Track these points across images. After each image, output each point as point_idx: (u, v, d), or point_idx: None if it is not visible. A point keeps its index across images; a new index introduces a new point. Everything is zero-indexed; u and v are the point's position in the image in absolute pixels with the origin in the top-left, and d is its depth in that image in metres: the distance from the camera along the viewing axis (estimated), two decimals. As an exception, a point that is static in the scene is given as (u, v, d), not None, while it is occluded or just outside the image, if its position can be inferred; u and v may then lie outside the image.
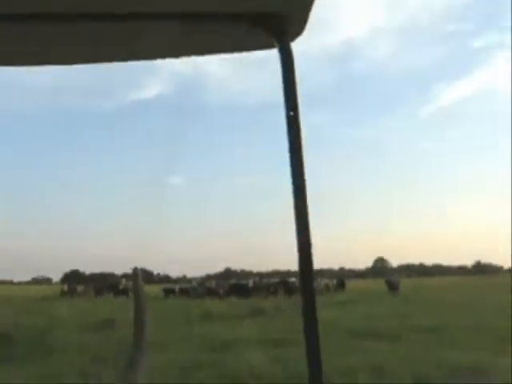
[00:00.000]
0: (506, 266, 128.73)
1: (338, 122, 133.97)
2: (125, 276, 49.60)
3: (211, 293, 39.37)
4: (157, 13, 1.48)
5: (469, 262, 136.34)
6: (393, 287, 39.58)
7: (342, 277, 53.20)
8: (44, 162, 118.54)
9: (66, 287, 41.54)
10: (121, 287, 42.04)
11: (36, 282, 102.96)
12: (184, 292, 41.28)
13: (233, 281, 44.89)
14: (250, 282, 40.46)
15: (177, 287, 43.10)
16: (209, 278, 64.74)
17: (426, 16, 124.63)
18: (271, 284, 40.89)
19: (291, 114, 1.55)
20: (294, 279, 45.06)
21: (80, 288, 44.55)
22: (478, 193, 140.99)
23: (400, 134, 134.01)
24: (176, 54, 1.75)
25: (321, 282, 44.81)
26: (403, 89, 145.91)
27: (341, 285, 46.17)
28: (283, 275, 49.58)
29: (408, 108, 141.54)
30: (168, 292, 42.23)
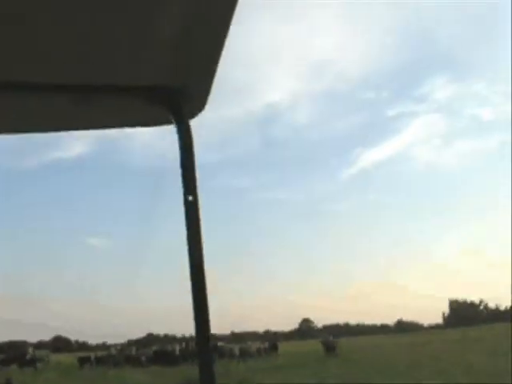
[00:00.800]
0: (426, 323, 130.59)
1: (261, 185, 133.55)
2: (33, 345, 43.79)
3: (132, 361, 34.52)
4: (48, 84, 1.40)
5: (390, 320, 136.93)
6: (330, 348, 36.47)
7: (271, 339, 49.43)
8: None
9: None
10: (28, 357, 36.23)
11: None
12: (101, 361, 36.12)
13: (155, 347, 40.00)
14: (177, 349, 35.83)
15: (92, 355, 37.73)
16: (130, 344, 59.06)
17: (345, 84, 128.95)
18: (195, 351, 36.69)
19: (190, 198, 1.43)
20: (221, 343, 41.22)
21: None
22: (397, 252, 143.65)
23: (322, 195, 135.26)
24: (67, 127, 1.67)
25: (251, 345, 41.04)
26: (324, 153, 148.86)
27: (273, 348, 42.52)
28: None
29: (329, 171, 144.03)
30: (83, 361, 36.83)
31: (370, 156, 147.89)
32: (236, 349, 36.45)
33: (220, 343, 40.20)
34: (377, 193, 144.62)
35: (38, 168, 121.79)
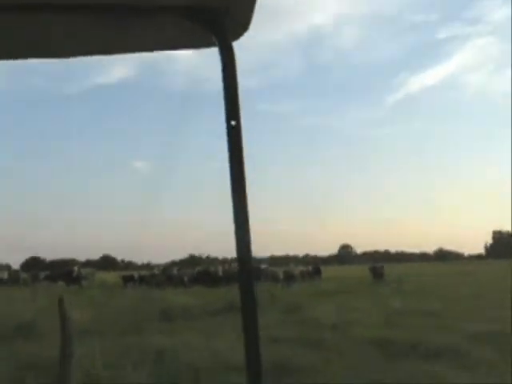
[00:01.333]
0: (467, 253, 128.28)
1: (304, 111, 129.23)
2: (80, 264, 43.97)
3: (174, 281, 33.70)
4: (84, 4, 1.35)
5: (429, 248, 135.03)
6: (377, 275, 34.74)
7: (316, 263, 48.06)
8: (4, 144, 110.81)
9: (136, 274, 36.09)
10: (74, 275, 36.02)
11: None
12: (144, 280, 35.54)
13: (199, 268, 39.14)
14: (220, 270, 34.77)
15: (136, 274, 37.28)
16: (173, 264, 59.12)
17: (392, 6, 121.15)
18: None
19: (232, 123, 1.41)
20: (265, 266, 40.04)
21: (23, 275, 38.58)
22: (441, 180, 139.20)
23: (366, 122, 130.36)
24: (107, 51, 1.60)
25: (295, 269, 39.72)
26: (368, 77, 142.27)
27: (317, 271, 41.20)
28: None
29: (373, 96, 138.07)
30: (127, 280, 36.48)
31: (417, 81, 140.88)
32: (280, 272, 35.11)
33: (263, 265, 38.99)
34: (423, 119, 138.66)
35: (79, 94, 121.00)
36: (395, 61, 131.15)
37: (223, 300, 18.73)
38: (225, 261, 57.33)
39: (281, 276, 34.02)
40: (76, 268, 37.87)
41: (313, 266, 44.08)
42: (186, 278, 33.51)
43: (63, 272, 37.56)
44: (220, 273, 34.30)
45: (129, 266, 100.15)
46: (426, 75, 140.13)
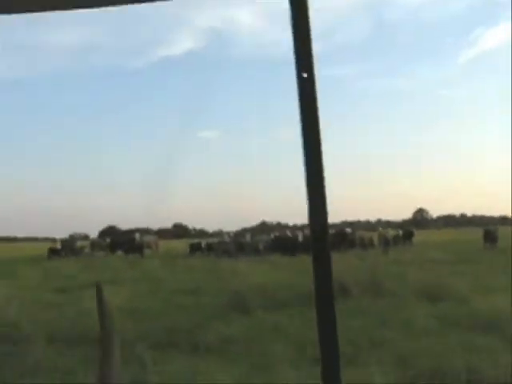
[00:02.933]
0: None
1: (370, 73, 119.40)
2: (139, 231, 39.12)
3: (247, 249, 27.82)
4: None
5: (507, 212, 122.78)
6: (491, 239, 27.35)
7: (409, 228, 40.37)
8: (72, 121, 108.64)
9: (59, 244, 30.44)
10: (135, 243, 30.95)
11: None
12: (213, 248, 29.96)
13: (275, 233, 33.00)
14: (300, 235, 28.43)
15: (204, 242, 31.74)
16: (244, 231, 53.57)
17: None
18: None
19: (304, 75, 1.29)
20: (350, 230, 33.39)
21: (80, 244, 33.87)
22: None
23: (436, 82, 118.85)
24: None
25: (385, 233, 32.74)
26: (440, 34, 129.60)
27: (409, 236, 34.16)
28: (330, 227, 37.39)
29: (445, 54, 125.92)
30: (194, 248, 31.06)
31: (493, 37, 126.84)
32: (375, 236, 28.40)
33: (348, 229, 32.38)
34: (499, 78, 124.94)
35: (145, 67, 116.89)
36: (468, 15, 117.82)
37: (306, 272, 12.50)
38: (295, 227, 50.64)
39: (376, 242, 27.35)
40: (137, 235, 32.70)
41: (403, 229, 36.93)
42: (260, 246, 27.54)
43: (123, 240, 32.62)
44: (300, 238, 27.98)
45: (200, 233, 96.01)
46: (502, 29, 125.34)
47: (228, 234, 36.66)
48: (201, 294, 11.72)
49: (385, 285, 11.53)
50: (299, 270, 17.26)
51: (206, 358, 6.40)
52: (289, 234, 29.13)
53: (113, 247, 31.83)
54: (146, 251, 30.81)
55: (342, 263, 14.83)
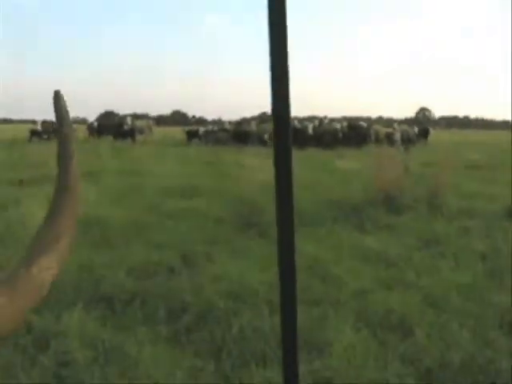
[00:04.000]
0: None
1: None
2: (135, 116, 35.26)
3: (251, 138, 24.33)
4: None
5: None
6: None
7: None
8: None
9: (39, 125, 26.54)
10: (125, 128, 27.24)
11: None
12: (213, 136, 26.47)
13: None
14: (310, 126, 24.74)
15: (202, 129, 28.12)
16: (245, 121, 49.64)
17: None
18: (338, 130, 25.26)
19: None
20: (364, 123, 29.70)
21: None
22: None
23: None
24: None
25: (408, 129, 28.99)
26: None
27: (425, 134, 30.64)
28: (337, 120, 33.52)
29: None
30: (191, 135, 27.56)
31: None
32: (397, 134, 24.71)
33: (362, 123, 28.71)
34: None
35: None
36: None
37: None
38: (302, 119, 46.74)
39: (398, 138, 23.80)
40: (129, 119, 28.93)
41: (419, 127, 33.23)
42: (266, 136, 23.98)
43: (112, 124, 28.82)
44: (310, 130, 24.35)
45: (200, 121, 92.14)
46: None
47: (229, 122, 32.76)
48: (197, 197, 8.45)
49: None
50: (312, 165, 14.07)
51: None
52: (297, 124, 25.38)
53: (100, 131, 28.11)
54: (139, 137, 27.30)
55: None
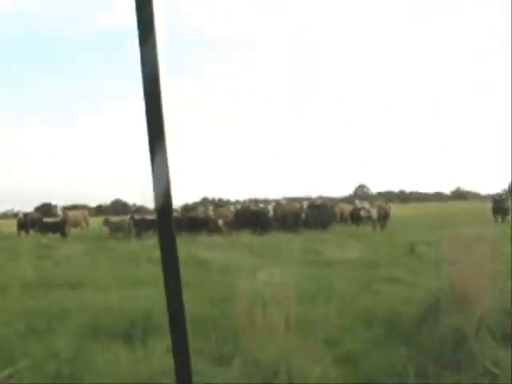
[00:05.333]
0: (484, 192, 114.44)
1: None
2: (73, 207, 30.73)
3: (204, 225, 20.64)
4: None
5: (444, 188, 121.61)
6: (502, 211, 21.67)
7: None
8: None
9: None
10: (54, 220, 22.86)
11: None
12: (155, 226, 22.15)
13: (238, 205, 25.49)
14: (270, 208, 21.23)
15: (137, 218, 22.78)
16: (186, 208, 44.84)
17: None
18: (301, 210, 21.97)
19: None
20: (320, 202, 27.02)
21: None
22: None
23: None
24: None
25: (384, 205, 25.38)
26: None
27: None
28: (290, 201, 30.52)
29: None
30: (119, 228, 22.29)
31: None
32: (373, 211, 21.63)
33: (318, 202, 25.85)
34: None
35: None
36: None
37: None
38: (237, 202, 42.67)
39: (373, 215, 20.87)
40: (59, 208, 24.66)
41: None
42: (220, 222, 20.42)
43: (37, 216, 24.06)
44: (271, 212, 20.96)
45: (140, 210, 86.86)
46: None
47: (176, 210, 28.32)
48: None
49: None
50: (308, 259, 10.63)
51: None
52: (253, 207, 22.11)
53: (21, 226, 23.42)
54: (73, 230, 22.94)
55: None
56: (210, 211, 20.96)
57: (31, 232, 23.09)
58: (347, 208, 25.42)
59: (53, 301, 7.10)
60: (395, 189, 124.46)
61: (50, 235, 21.54)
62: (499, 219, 21.47)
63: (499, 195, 23.02)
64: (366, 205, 26.95)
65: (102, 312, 6.07)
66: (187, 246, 14.29)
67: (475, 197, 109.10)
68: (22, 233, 23.24)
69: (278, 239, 16.39)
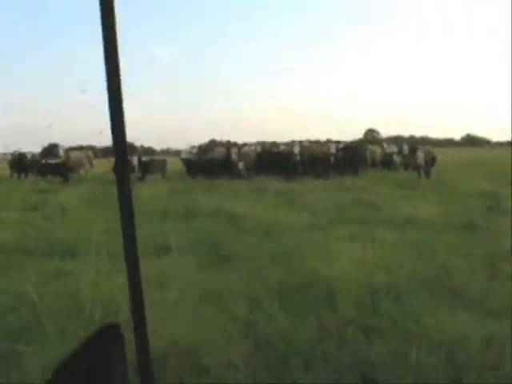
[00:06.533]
0: (494, 139, 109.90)
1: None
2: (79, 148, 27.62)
3: (223, 169, 18.02)
4: None
5: (454, 135, 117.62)
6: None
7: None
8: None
9: None
10: (55, 161, 20.26)
11: None
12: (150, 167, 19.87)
13: (259, 147, 22.58)
14: (296, 149, 18.37)
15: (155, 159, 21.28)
16: (201, 149, 42.16)
17: None
18: (330, 154, 19.08)
19: None
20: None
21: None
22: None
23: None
24: None
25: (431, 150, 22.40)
26: None
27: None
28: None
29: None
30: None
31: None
32: (420, 154, 18.84)
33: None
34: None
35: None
36: None
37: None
38: (245, 145, 39.45)
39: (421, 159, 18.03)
40: (61, 149, 21.95)
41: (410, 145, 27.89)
42: (240, 165, 17.75)
43: (37, 158, 21.21)
44: (297, 155, 18.17)
45: (148, 151, 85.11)
46: None
47: (185, 151, 24.86)
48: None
49: None
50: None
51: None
52: (280, 149, 19.35)
53: (15, 167, 20.79)
54: (79, 172, 20.39)
55: None
56: (234, 153, 18.00)
57: (30, 175, 20.52)
58: (379, 151, 22.67)
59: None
60: (405, 134, 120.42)
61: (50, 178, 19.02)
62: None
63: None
64: (395, 148, 24.32)
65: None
66: (208, 195, 11.75)
67: (487, 143, 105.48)
68: (16, 175, 20.67)
69: (312, 187, 13.79)
